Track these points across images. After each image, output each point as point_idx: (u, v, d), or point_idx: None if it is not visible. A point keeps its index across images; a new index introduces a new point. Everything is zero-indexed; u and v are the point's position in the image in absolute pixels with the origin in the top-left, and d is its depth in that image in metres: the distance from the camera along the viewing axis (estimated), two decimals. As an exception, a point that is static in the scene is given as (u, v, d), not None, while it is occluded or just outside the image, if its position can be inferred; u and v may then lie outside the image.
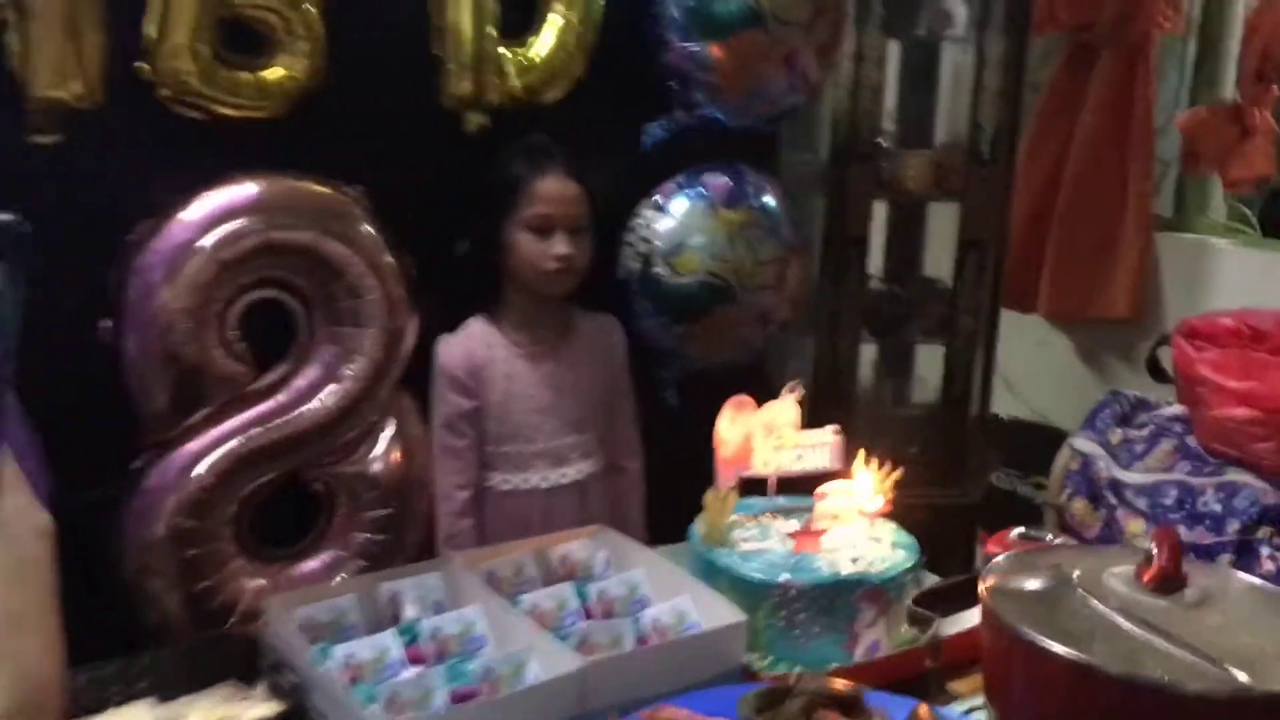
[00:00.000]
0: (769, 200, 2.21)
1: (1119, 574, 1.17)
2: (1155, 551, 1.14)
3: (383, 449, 1.95)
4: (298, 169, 1.85)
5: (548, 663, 1.18)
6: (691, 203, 2.16)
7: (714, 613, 1.30)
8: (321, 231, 1.85)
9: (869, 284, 2.68)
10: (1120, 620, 1.10)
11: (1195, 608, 1.12)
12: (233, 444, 1.83)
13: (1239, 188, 3.12)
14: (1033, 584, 1.18)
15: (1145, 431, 2.31)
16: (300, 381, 1.90)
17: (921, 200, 2.73)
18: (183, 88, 1.74)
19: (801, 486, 1.58)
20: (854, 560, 1.37)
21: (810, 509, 1.50)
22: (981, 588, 1.18)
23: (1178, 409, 2.33)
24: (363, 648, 1.21)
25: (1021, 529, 1.36)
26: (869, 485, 1.45)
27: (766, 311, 2.22)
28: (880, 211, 2.69)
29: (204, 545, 1.82)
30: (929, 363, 2.91)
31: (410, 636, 1.28)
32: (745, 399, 1.46)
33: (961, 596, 1.36)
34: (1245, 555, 1.99)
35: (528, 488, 1.97)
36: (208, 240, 1.75)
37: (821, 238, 2.60)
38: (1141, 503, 2.17)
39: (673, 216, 2.15)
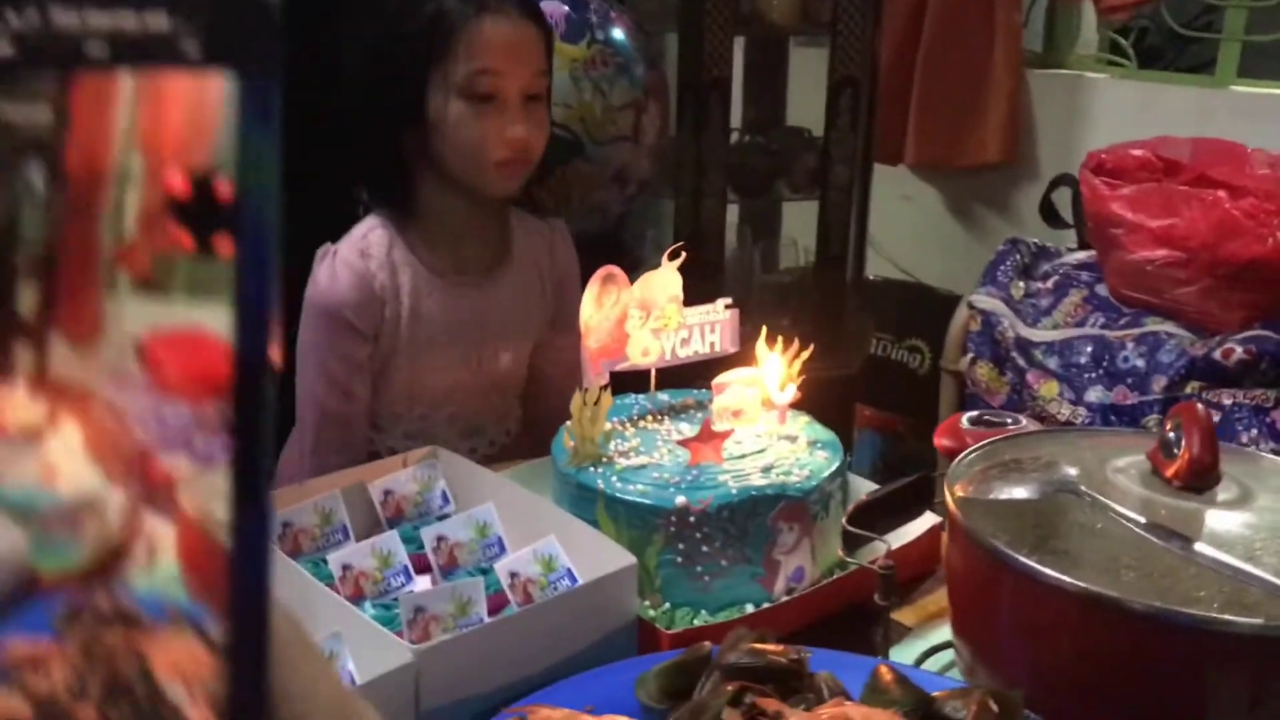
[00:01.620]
0: (617, 33, 1.84)
1: (1127, 468, 0.89)
2: (1179, 436, 0.86)
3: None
4: None
5: (368, 653, 0.84)
6: (523, 38, 1.77)
7: (592, 554, 0.97)
8: None
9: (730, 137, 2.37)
10: (1145, 534, 0.81)
11: (1235, 507, 0.84)
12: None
13: (1115, 14, 2.90)
14: (1019, 490, 0.89)
15: (1050, 283, 2.07)
16: None
17: (787, 34, 2.41)
18: None
19: (682, 378, 1.26)
20: (767, 469, 1.05)
21: (704, 406, 1.18)
22: (948, 498, 0.89)
23: (1083, 255, 2.10)
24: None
25: (974, 413, 1.06)
26: (778, 370, 1.13)
27: (623, 168, 1.87)
28: (736, 55, 2.37)
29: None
30: (794, 223, 2.66)
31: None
32: (615, 271, 1.11)
33: (903, 505, 1.07)
34: (1174, 415, 1.77)
35: None
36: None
37: (676, 84, 2.26)
38: (1053, 362, 1.93)
39: (501, 55, 1.76)
